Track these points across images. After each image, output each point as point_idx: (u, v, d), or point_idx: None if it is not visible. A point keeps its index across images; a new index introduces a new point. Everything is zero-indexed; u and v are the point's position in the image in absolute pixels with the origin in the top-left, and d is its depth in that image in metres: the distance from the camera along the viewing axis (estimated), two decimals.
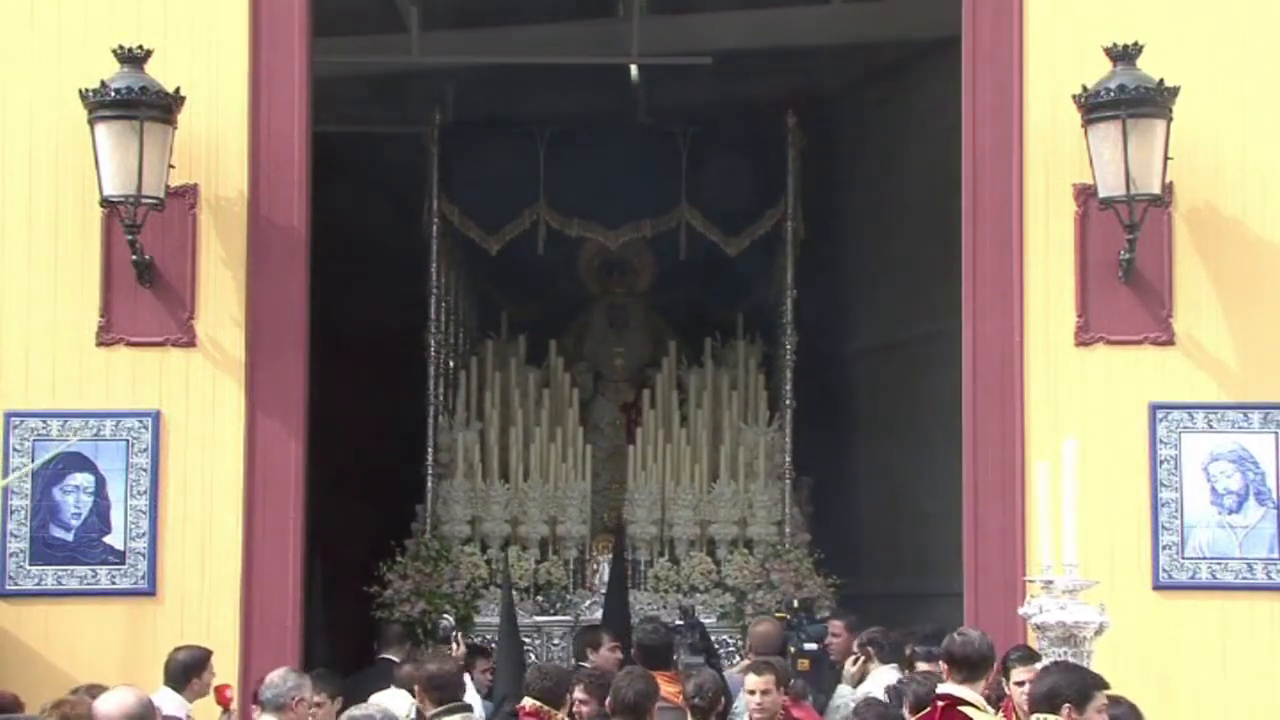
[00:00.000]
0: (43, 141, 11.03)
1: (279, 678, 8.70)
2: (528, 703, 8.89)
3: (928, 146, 14.69)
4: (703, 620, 13.80)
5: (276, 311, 11.10)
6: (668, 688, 9.59)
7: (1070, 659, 7.56)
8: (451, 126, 16.24)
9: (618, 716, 8.47)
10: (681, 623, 13.06)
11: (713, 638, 13.55)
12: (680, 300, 17.86)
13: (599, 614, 14.87)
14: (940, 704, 8.03)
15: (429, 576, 14.98)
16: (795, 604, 13.25)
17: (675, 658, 11.22)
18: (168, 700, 9.43)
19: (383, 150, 16.47)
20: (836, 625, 12.63)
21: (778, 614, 13.22)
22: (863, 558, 16.69)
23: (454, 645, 11.64)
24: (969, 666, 8.13)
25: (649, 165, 16.36)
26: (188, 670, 9.79)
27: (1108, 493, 10.76)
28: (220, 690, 9.87)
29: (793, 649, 12.19)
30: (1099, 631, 8.17)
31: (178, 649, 9.92)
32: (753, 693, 9.42)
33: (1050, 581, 8.21)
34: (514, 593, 14.76)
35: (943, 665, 8.44)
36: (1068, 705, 6.90)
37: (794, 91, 16.86)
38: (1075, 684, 7.01)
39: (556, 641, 14.86)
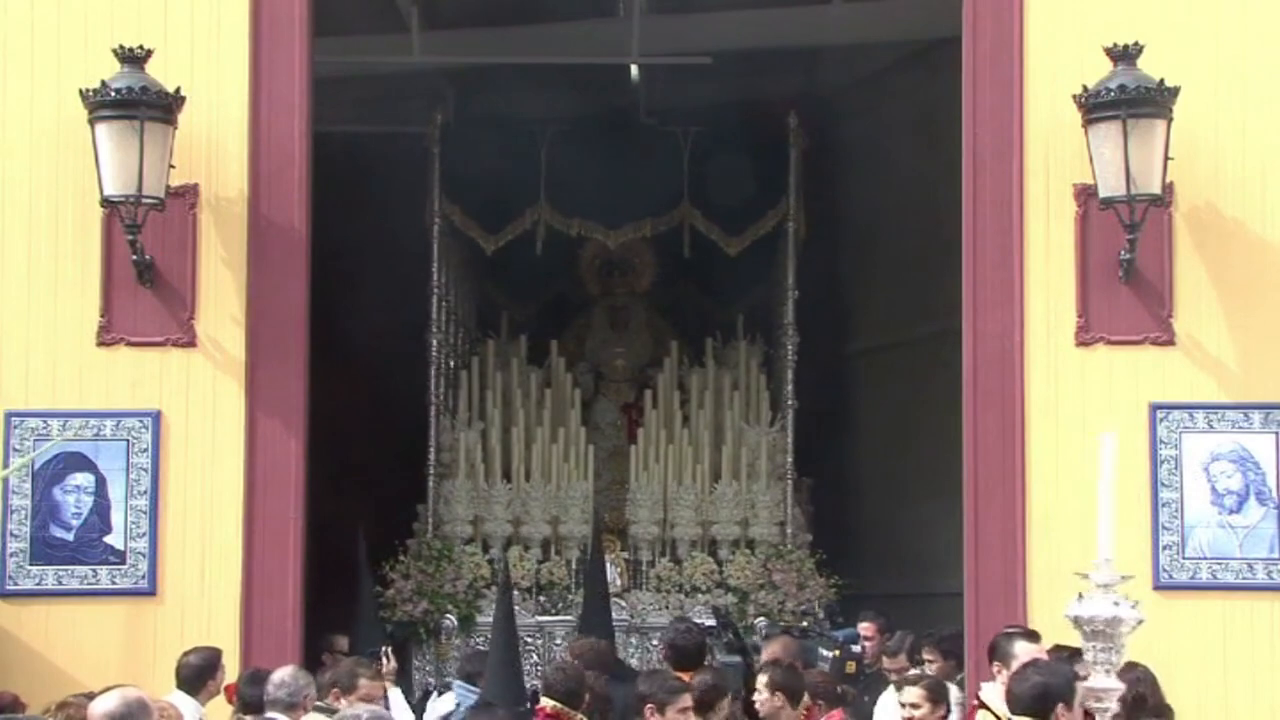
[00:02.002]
0: (43, 141, 11.02)
1: (290, 677, 8.70)
2: (547, 703, 8.80)
3: (927, 146, 14.70)
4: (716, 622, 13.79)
5: (277, 311, 11.09)
6: None
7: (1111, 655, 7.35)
8: (452, 126, 16.25)
9: None
10: (714, 623, 13.00)
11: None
12: (681, 300, 17.87)
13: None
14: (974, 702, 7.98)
15: (431, 576, 15.00)
16: (820, 612, 13.23)
17: (709, 659, 11.09)
18: (182, 703, 9.43)
19: (383, 150, 16.47)
20: (868, 627, 12.56)
21: (784, 626, 13.13)
22: (864, 558, 16.69)
23: (384, 660, 11.59)
24: (1001, 662, 8.07)
25: (650, 165, 16.38)
26: (201, 673, 9.79)
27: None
28: (229, 689, 9.87)
29: (836, 652, 12.14)
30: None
31: (188, 652, 9.92)
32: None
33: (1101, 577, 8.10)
34: (515, 593, 14.77)
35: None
36: (1060, 704, 6.79)
37: (794, 91, 16.89)
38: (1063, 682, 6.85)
39: (559, 641, 14.87)
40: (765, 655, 10.83)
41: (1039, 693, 6.71)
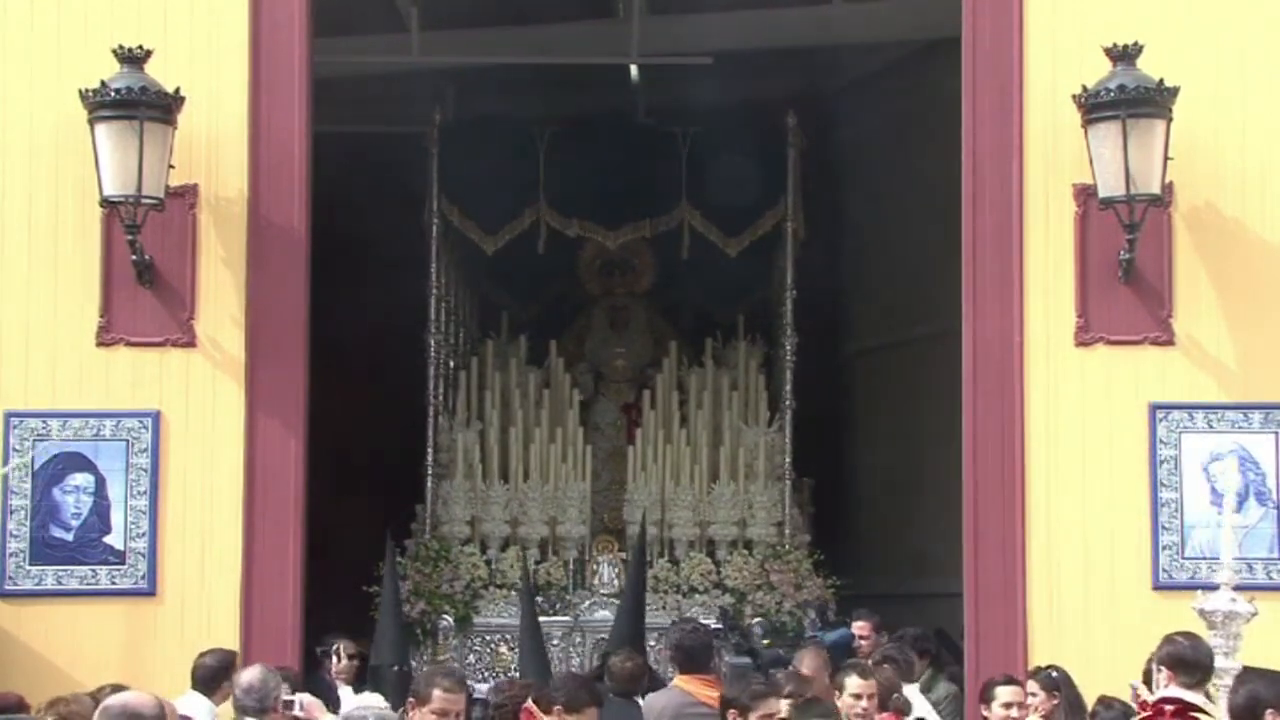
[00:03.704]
0: (43, 141, 11.03)
1: (258, 681, 8.39)
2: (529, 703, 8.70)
3: (927, 146, 14.69)
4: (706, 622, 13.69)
5: (276, 311, 11.09)
6: (707, 691, 9.39)
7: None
8: (452, 126, 16.23)
9: None
10: (720, 624, 12.88)
11: None
12: (681, 301, 17.86)
13: (599, 614, 14.89)
14: (1168, 708, 7.81)
15: (428, 577, 14.97)
16: (811, 613, 13.13)
17: (714, 660, 10.96)
18: (196, 705, 9.39)
19: (383, 150, 16.47)
20: (863, 626, 12.52)
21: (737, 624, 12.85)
22: (863, 558, 16.70)
23: (335, 659, 11.52)
24: (1200, 670, 7.93)
25: (649, 165, 16.37)
26: (216, 674, 9.73)
27: (1108, 493, 10.76)
28: None
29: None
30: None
31: (204, 653, 9.88)
32: (858, 696, 8.98)
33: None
34: (512, 593, 14.77)
35: (1164, 670, 8.22)
36: (1270, 710, 6.78)
37: (794, 91, 16.87)
38: (1275, 689, 6.86)
39: (556, 642, 14.84)
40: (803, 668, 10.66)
41: (1245, 701, 6.77)
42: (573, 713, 8.32)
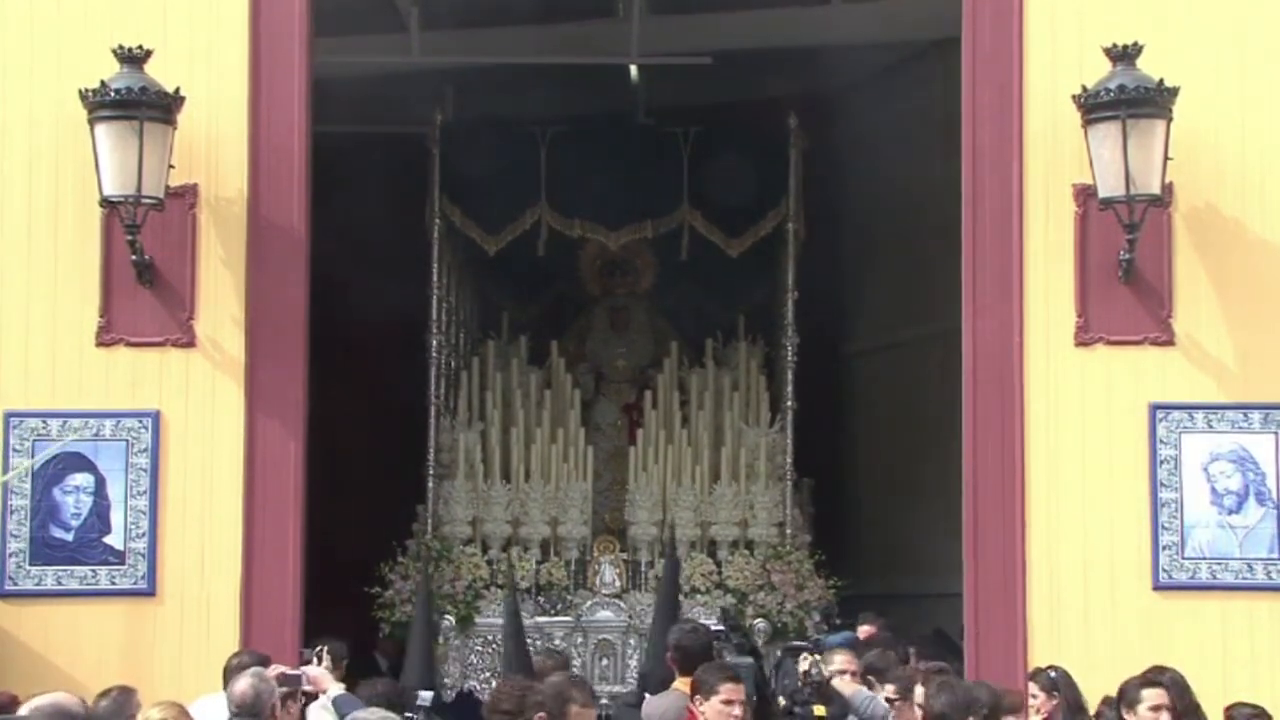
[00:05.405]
0: (43, 141, 11.03)
1: (250, 697, 8.08)
2: None
3: (928, 146, 14.70)
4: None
5: (276, 311, 11.10)
6: None
7: None
8: (453, 126, 16.24)
9: None
10: (721, 625, 12.82)
11: None
12: (682, 301, 17.86)
13: (600, 614, 14.89)
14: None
15: (430, 577, 14.97)
16: (816, 615, 13.09)
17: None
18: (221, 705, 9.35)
19: (383, 150, 16.47)
20: (868, 630, 12.46)
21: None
22: (863, 558, 16.69)
23: (316, 662, 11.51)
24: None
25: (651, 166, 16.37)
26: None
27: (1108, 493, 10.75)
28: None
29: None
30: None
31: (237, 654, 9.84)
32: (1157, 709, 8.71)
33: None
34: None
35: None
36: None
37: (794, 91, 16.86)
38: None
39: (558, 642, 14.84)
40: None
41: None
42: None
